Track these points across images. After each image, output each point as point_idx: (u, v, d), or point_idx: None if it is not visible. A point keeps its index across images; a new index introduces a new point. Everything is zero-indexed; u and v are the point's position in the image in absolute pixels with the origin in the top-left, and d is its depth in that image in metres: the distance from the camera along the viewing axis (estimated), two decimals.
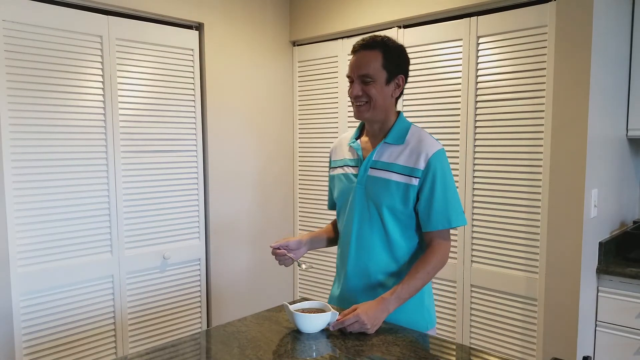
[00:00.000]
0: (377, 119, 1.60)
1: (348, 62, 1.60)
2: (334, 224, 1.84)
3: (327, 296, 2.78)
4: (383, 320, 1.47)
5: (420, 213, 1.56)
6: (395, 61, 1.56)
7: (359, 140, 1.68)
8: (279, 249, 1.62)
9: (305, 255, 3.24)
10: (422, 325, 1.60)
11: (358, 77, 1.54)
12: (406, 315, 1.57)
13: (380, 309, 1.46)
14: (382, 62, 1.53)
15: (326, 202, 2.85)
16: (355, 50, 1.57)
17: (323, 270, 3.12)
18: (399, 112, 1.65)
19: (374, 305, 1.46)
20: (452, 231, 2.51)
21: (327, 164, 2.83)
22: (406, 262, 1.61)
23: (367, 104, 1.56)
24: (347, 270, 1.65)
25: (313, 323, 1.43)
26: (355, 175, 1.63)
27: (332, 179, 1.77)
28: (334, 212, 1.81)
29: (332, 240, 1.80)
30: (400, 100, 2.65)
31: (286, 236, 1.70)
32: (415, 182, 1.53)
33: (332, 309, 1.46)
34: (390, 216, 1.57)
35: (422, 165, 1.53)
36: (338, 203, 1.71)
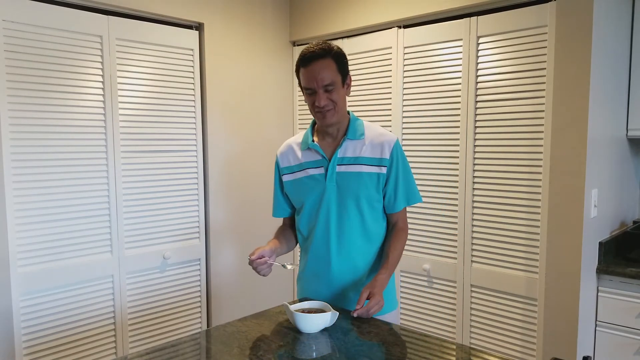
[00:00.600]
0: (339, 121, 1.67)
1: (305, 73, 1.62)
2: (282, 233, 1.83)
3: None
4: None
5: (387, 197, 1.70)
6: (344, 64, 1.64)
7: (315, 142, 1.72)
8: (259, 258, 1.59)
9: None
10: (395, 304, 1.76)
11: (322, 87, 1.58)
12: (386, 298, 1.65)
13: (383, 287, 1.58)
14: (336, 68, 1.60)
15: None
16: (309, 61, 1.59)
17: None
18: (348, 111, 1.74)
19: (380, 284, 1.57)
20: (451, 230, 2.53)
21: None
22: (379, 246, 1.73)
23: (332, 110, 1.62)
24: (332, 270, 1.68)
25: (313, 323, 1.43)
26: (322, 175, 1.68)
27: (290, 184, 1.76)
28: (281, 220, 1.89)
29: (284, 249, 1.78)
30: (400, 100, 2.66)
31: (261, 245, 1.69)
32: (383, 170, 1.67)
33: (332, 309, 1.46)
34: (368, 206, 1.67)
35: (387, 155, 1.66)
36: (307, 206, 1.71)
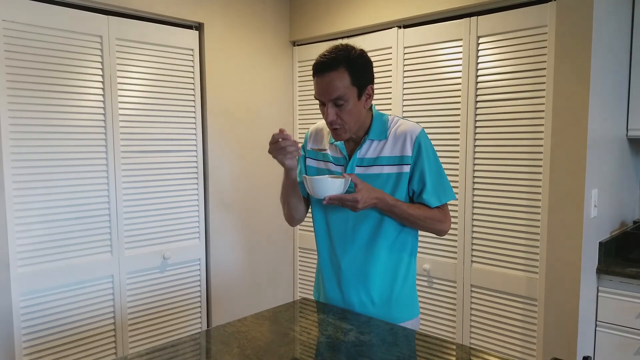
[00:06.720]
0: (354, 133, 1.57)
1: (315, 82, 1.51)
2: None
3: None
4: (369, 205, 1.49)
5: (415, 194, 1.57)
6: (362, 73, 1.49)
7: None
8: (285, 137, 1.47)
9: (307, 258, 3.24)
10: (416, 312, 1.65)
11: (330, 101, 1.48)
12: (401, 312, 1.60)
13: (376, 199, 1.49)
14: (350, 80, 1.46)
15: None
16: (319, 71, 1.47)
17: None
18: (371, 106, 1.61)
19: (373, 193, 1.48)
20: (451, 230, 2.52)
21: None
22: (402, 256, 1.61)
23: (343, 127, 1.52)
24: (342, 274, 1.62)
25: (325, 186, 1.42)
26: (340, 174, 1.59)
27: (312, 170, 1.68)
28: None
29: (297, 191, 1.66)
30: (400, 100, 2.66)
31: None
32: (406, 169, 1.54)
33: (346, 176, 1.45)
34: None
35: (409, 151, 1.53)
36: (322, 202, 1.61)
